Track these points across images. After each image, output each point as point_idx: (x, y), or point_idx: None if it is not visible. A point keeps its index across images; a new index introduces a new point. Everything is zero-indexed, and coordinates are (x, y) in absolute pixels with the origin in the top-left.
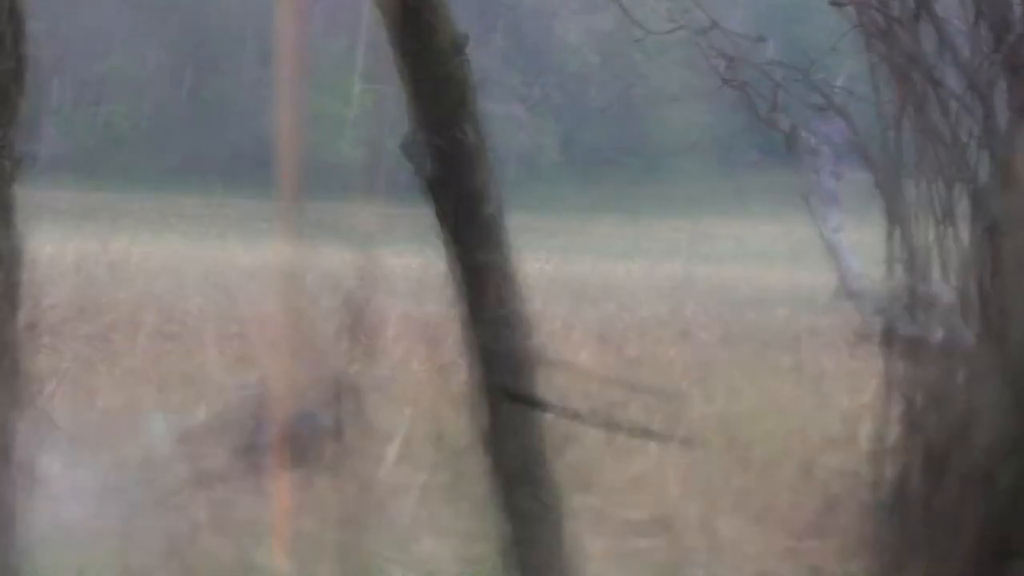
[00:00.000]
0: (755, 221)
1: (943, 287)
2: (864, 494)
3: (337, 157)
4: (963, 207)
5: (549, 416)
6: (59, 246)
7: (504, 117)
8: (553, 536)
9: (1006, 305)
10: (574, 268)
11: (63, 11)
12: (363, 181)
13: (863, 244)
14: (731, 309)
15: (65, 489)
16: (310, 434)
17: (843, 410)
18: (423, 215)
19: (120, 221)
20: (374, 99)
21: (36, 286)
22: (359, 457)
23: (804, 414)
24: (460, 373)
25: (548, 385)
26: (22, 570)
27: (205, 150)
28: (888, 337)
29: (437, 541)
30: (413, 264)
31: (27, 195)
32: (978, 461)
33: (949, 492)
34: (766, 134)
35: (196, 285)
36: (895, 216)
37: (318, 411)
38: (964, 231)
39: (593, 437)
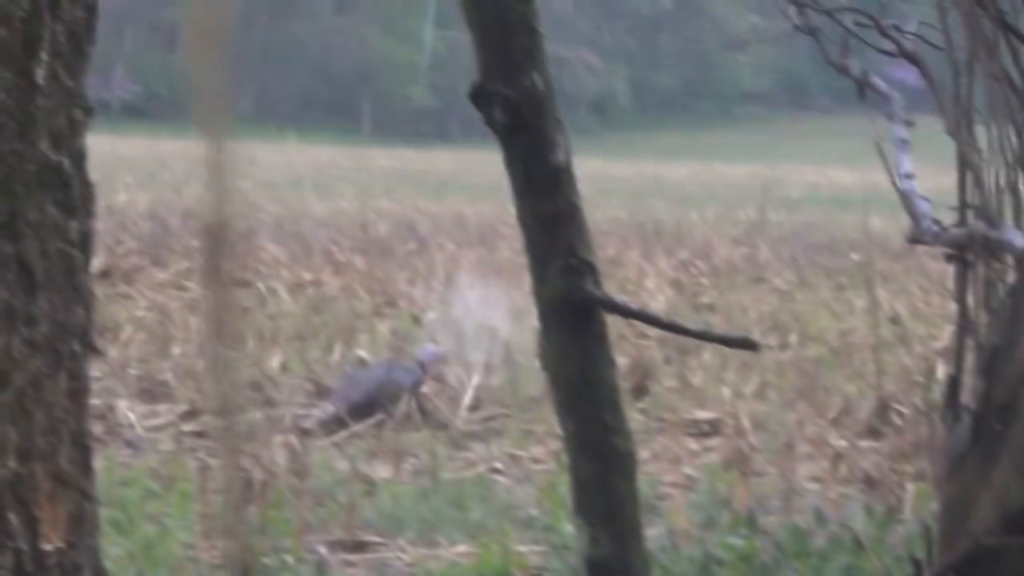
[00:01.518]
0: (827, 166)
1: (1015, 233)
2: (938, 429)
3: (409, 104)
4: None
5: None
6: (132, 193)
7: (575, 63)
8: (625, 481)
9: None
10: (647, 214)
11: None
12: (436, 127)
13: (935, 190)
14: (805, 254)
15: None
16: (406, 383)
17: (918, 352)
18: (495, 162)
19: (193, 168)
20: (446, 46)
21: (110, 234)
22: (442, 405)
23: (879, 356)
24: (531, 319)
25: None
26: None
27: (278, 96)
28: (961, 278)
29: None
30: (486, 210)
31: (100, 143)
32: None
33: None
34: (837, 80)
35: (270, 232)
36: (967, 162)
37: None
38: None
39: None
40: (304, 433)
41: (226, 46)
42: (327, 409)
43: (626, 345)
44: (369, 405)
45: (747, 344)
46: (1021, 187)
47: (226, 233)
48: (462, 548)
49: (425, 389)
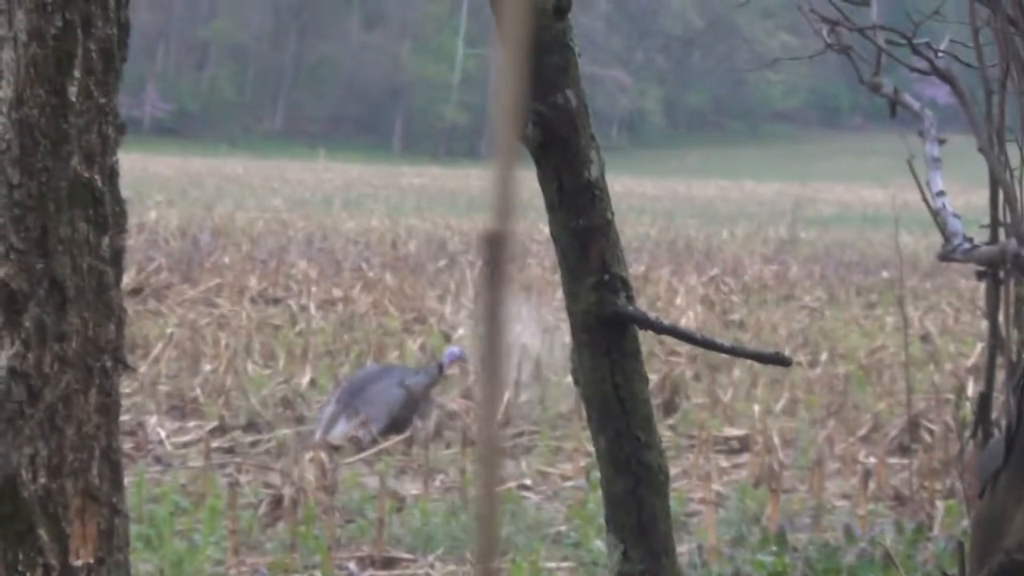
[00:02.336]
0: (858, 184)
1: None
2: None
3: (440, 122)
4: None
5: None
6: (163, 211)
7: (607, 81)
8: (658, 497)
9: None
10: (677, 231)
11: None
12: (466, 145)
13: (966, 207)
14: (835, 272)
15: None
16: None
17: (948, 370)
18: (526, 179)
19: (224, 186)
20: (476, 64)
21: (141, 251)
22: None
23: (909, 374)
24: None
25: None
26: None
27: (309, 114)
28: (993, 295)
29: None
30: (517, 228)
31: (131, 160)
32: None
33: None
34: (869, 98)
35: (301, 249)
36: (998, 180)
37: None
38: None
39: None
40: (334, 449)
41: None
42: (356, 428)
43: (656, 362)
44: (398, 421)
45: (780, 360)
46: None
47: None
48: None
49: (453, 405)
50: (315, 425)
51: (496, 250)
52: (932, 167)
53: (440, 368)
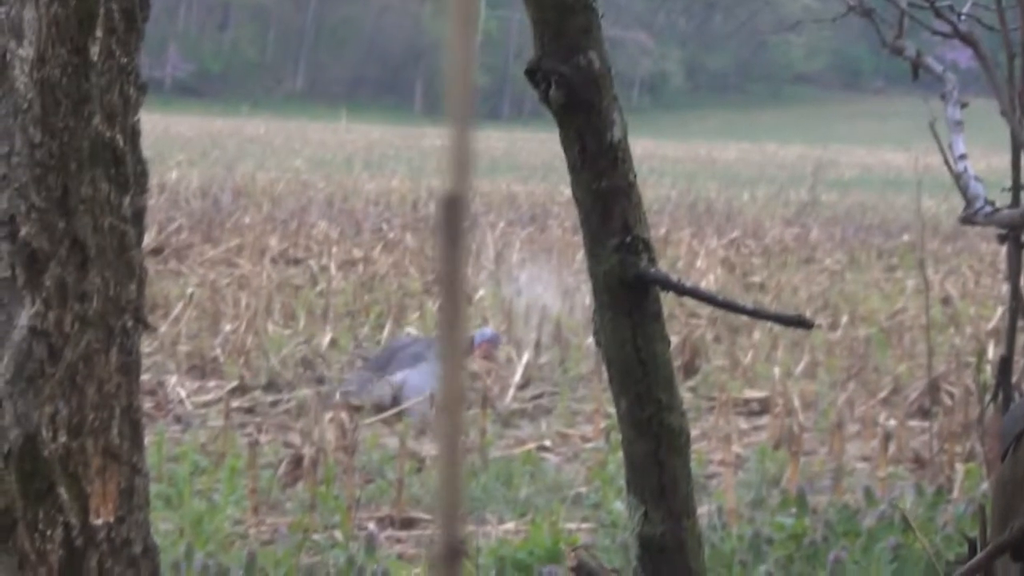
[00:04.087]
0: (879, 148)
1: None
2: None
3: None
4: None
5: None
6: (184, 171)
7: (630, 43)
8: (679, 459)
9: None
10: (698, 194)
11: None
12: (487, 107)
13: (988, 171)
14: (856, 235)
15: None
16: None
17: (969, 333)
18: (546, 141)
19: (245, 146)
20: (497, 25)
21: (162, 211)
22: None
23: (929, 337)
24: (581, 298)
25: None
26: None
27: (330, 76)
28: (1014, 258)
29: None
30: (537, 189)
31: (152, 121)
32: None
33: None
34: (891, 61)
35: (321, 210)
36: (1020, 143)
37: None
38: None
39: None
40: (354, 410)
41: None
42: (384, 389)
43: (676, 324)
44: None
45: (802, 322)
46: None
47: None
48: (511, 525)
49: (473, 367)
50: (337, 386)
51: (452, 213)
52: (954, 130)
53: (470, 344)
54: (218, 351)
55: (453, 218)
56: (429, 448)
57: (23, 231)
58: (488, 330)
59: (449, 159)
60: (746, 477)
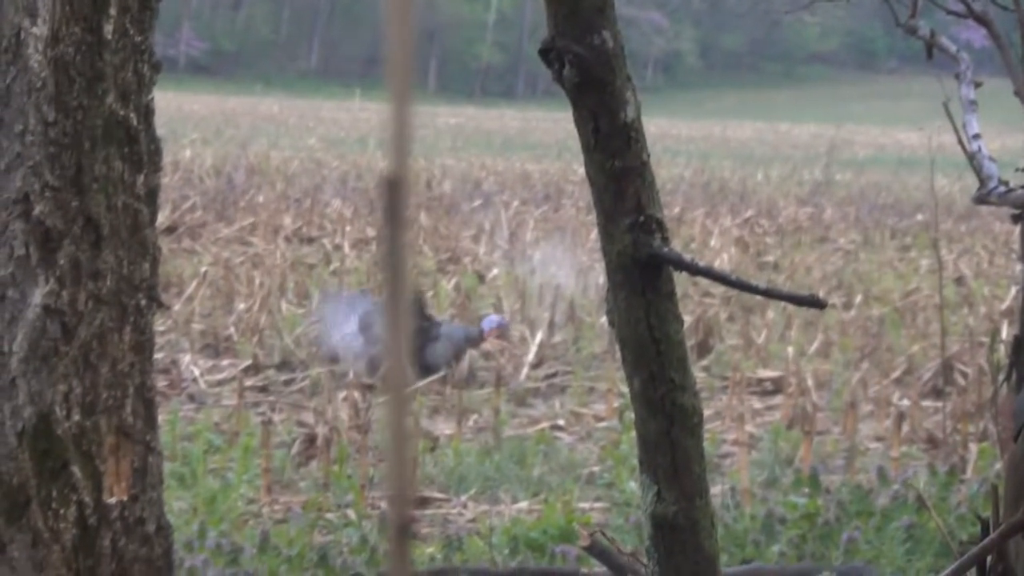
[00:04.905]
0: (893, 127)
1: None
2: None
3: (475, 62)
4: None
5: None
6: (198, 149)
7: (644, 22)
8: (692, 438)
9: None
10: (713, 173)
11: None
12: (501, 86)
13: (1002, 150)
14: (870, 214)
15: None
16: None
17: (982, 313)
18: (560, 120)
19: (259, 124)
20: (512, 4)
21: (176, 189)
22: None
23: (943, 317)
24: (595, 277)
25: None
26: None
27: (344, 54)
28: None
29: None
30: (550, 168)
31: (166, 99)
32: None
33: None
34: (905, 41)
35: (335, 189)
36: None
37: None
38: None
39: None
40: (367, 388)
41: None
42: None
43: (690, 303)
44: (433, 364)
45: (815, 302)
46: None
47: None
48: (524, 504)
49: (487, 346)
50: (324, 340)
51: (394, 194)
52: (968, 110)
53: (481, 333)
54: (232, 330)
55: (395, 200)
56: (442, 427)
57: (37, 209)
58: (495, 316)
59: (389, 141)
60: (759, 457)
